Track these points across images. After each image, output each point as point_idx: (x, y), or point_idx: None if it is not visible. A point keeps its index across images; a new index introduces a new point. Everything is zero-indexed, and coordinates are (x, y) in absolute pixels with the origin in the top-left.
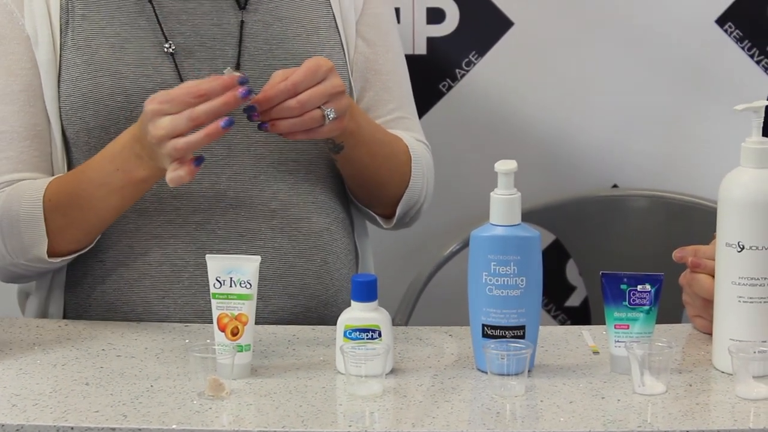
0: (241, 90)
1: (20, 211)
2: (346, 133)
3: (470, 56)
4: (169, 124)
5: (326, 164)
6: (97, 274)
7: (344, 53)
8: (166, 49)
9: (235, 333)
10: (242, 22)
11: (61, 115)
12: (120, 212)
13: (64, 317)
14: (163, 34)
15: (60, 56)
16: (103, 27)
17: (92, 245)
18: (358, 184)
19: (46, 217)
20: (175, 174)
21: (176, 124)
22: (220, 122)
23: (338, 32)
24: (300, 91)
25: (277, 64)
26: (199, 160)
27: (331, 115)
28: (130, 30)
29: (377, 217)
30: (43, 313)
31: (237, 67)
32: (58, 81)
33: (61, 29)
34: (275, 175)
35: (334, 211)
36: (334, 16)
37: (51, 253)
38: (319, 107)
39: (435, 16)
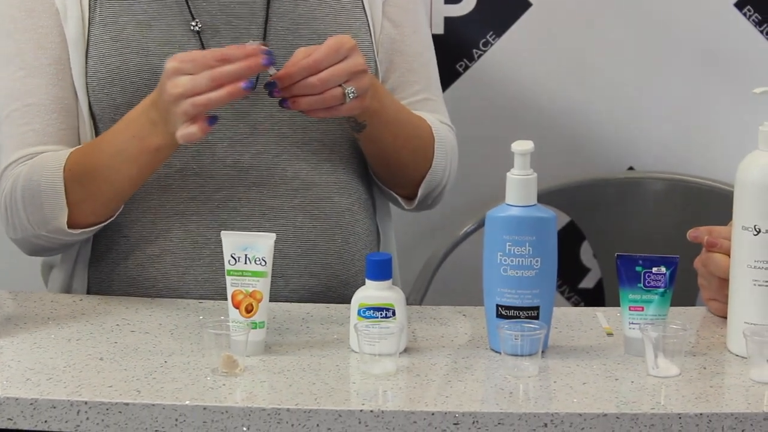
0: (264, 57)
1: (41, 181)
2: (369, 112)
3: (488, 36)
4: (188, 83)
5: (350, 145)
6: (120, 249)
7: (370, 34)
8: (192, 28)
9: (249, 310)
10: (269, 1)
11: (88, 91)
12: (136, 183)
13: (88, 291)
14: (190, 12)
15: (88, 32)
16: (131, 4)
17: (113, 218)
18: (380, 164)
19: (66, 188)
20: (186, 131)
21: (196, 83)
22: (242, 83)
23: (365, 12)
24: (321, 68)
25: (303, 43)
26: (212, 120)
27: (352, 94)
28: (158, 8)
29: (399, 198)
30: (67, 287)
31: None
32: (86, 57)
33: (90, 5)
34: (298, 154)
35: (357, 191)
36: None
37: (71, 225)
38: (340, 85)
39: None
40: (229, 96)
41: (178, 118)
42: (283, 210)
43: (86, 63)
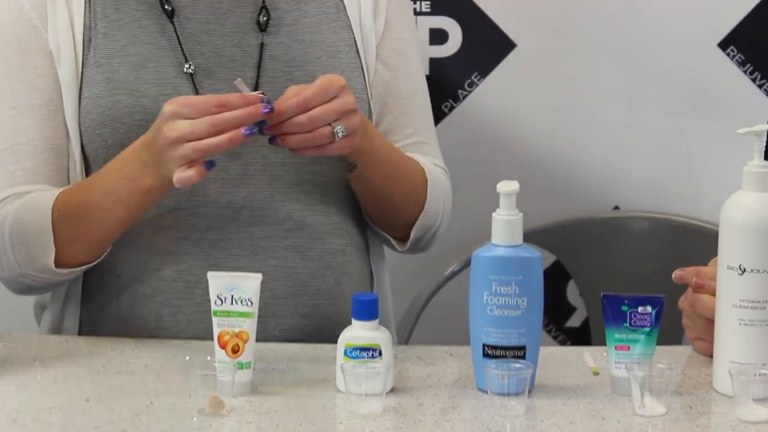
0: (264, 106)
1: (29, 220)
2: (360, 152)
3: (472, 77)
4: (186, 127)
5: (343, 186)
6: (112, 288)
7: (364, 77)
8: (185, 70)
9: (235, 350)
10: (262, 44)
11: (81, 132)
12: (125, 224)
13: (80, 330)
14: (183, 54)
15: (82, 73)
16: (125, 46)
17: (101, 258)
18: (372, 205)
19: (54, 227)
20: (184, 174)
21: (195, 128)
22: (243, 130)
23: (358, 56)
24: (311, 107)
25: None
26: (210, 164)
27: (341, 133)
28: (151, 49)
29: (392, 240)
30: (59, 326)
31: (255, 89)
32: (79, 98)
33: (83, 46)
34: (291, 195)
35: (350, 233)
36: (354, 39)
37: (59, 264)
38: (329, 124)
39: (438, 36)
40: (230, 143)
41: (175, 161)
42: (275, 250)
43: (79, 104)
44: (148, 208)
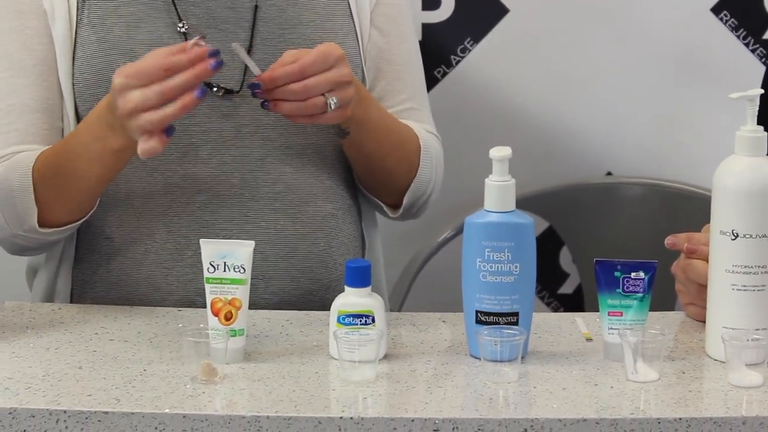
0: (211, 62)
1: (14, 181)
2: (353, 121)
3: (465, 43)
4: (139, 98)
5: (335, 150)
6: (103, 251)
7: (358, 42)
8: (179, 29)
9: (228, 318)
10: (256, 6)
11: (74, 92)
12: (106, 181)
13: (72, 292)
14: (177, 13)
15: (75, 33)
16: (118, 5)
17: (87, 216)
18: (365, 170)
19: (35, 187)
20: (147, 146)
21: (146, 98)
22: (195, 92)
23: (353, 20)
24: (307, 75)
25: (289, 49)
26: (169, 131)
27: (334, 104)
28: (145, 10)
29: (384, 206)
30: (51, 289)
31: (249, 51)
32: (73, 58)
33: (78, 6)
34: (282, 158)
35: (341, 197)
36: (349, 4)
37: (44, 224)
38: (323, 94)
39: (430, 2)
40: (184, 110)
41: (135, 131)
42: (265, 213)
43: (73, 64)
44: (125, 165)
